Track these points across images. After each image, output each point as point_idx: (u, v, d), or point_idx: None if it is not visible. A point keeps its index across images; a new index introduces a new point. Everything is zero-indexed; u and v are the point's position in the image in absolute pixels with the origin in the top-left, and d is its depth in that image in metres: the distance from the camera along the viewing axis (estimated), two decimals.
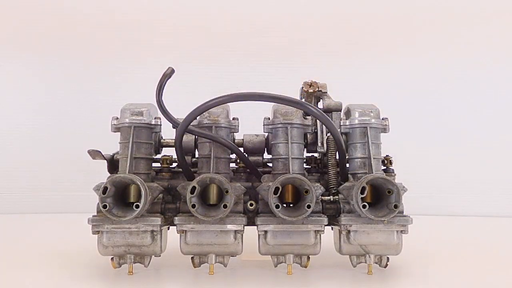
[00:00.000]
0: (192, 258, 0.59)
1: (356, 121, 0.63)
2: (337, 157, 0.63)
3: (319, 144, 0.65)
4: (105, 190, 0.54)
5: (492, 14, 1.33)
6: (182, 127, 0.58)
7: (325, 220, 0.58)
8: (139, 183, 0.54)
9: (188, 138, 0.65)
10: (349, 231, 0.58)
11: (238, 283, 0.59)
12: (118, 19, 1.32)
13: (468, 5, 1.33)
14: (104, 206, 0.53)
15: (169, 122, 0.61)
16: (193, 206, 0.54)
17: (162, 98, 0.59)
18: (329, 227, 0.62)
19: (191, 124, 0.58)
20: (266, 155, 0.66)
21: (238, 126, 0.64)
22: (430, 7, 1.33)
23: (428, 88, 1.33)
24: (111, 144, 0.65)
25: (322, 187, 0.60)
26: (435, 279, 0.61)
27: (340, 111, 0.66)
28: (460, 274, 0.63)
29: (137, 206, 0.54)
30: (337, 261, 0.64)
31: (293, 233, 0.58)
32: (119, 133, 0.62)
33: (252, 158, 0.65)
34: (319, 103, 0.69)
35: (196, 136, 0.64)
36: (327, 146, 0.64)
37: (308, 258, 0.60)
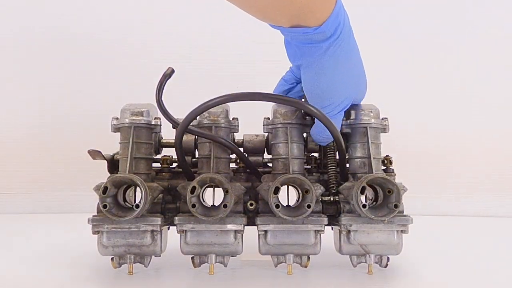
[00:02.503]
0: (192, 258, 0.59)
1: (356, 121, 0.63)
2: (337, 157, 0.63)
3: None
4: (105, 190, 0.54)
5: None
6: (182, 127, 0.58)
7: (325, 220, 0.58)
8: (139, 183, 0.54)
9: (188, 138, 0.65)
10: (349, 231, 0.58)
11: (238, 283, 0.59)
12: (118, 19, 1.32)
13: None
14: (104, 206, 0.53)
15: (169, 122, 0.61)
16: (193, 206, 0.54)
17: (162, 98, 0.59)
18: (329, 227, 0.62)
19: (191, 124, 0.58)
20: (266, 155, 0.66)
21: (238, 126, 0.64)
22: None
23: (428, 88, 1.33)
24: (111, 144, 0.65)
25: (322, 187, 0.60)
26: (435, 279, 0.61)
27: None
28: (460, 274, 0.63)
29: (137, 206, 0.54)
30: (337, 261, 0.64)
31: (293, 233, 0.58)
32: (119, 133, 0.62)
33: (252, 158, 0.65)
34: None
35: (196, 136, 0.64)
36: (327, 146, 0.64)
37: (308, 258, 0.60)
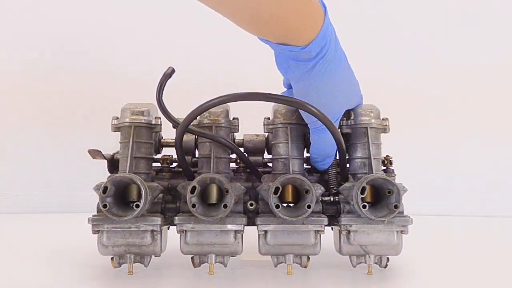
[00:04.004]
0: (192, 258, 0.59)
1: (357, 122, 0.63)
2: (337, 157, 0.63)
3: None
4: (105, 189, 0.54)
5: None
6: (182, 127, 0.58)
7: (325, 220, 0.58)
8: (139, 183, 0.54)
9: (188, 138, 0.65)
10: (349, 231, 0.58)
11: (238, 283, 0.59)
12: (119, 18, 1.32)
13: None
14: (104, 206, 0.53)
15: (169, 122, 0.61)
16: (193, 206, 0.54)
17: (163, 98, 0.59)
18: (329, 227, 0.62)
19: (191, 124, 0.58)
20: (266, 155, 0.66)
21: (238, 126, 0.64)
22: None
23: (428, 87, 1.33)
24: (111, 144, 0.65)
25: (322, 187, 0.60)
26: (435, 279, 0.61)
27: None
28: (460, 274, 0.63)
29: (137, 206, 0.54)
30: (337, 261, 0.64)
31: (293, 233, 0.58)
32: (119, 133, 0.62)
33: (252, 158, 0.65)
34: None
35: (196, 136, 0.64)
36: None
37: (308, 258, 0.60)
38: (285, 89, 0.67)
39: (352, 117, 0.63)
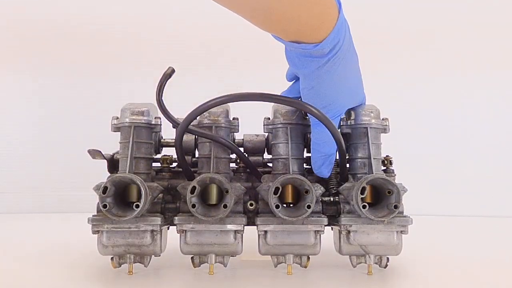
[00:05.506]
0: (192, 258, 0.59)
1: (357, 122, 0.63)
2: (337, 157, 0.63)
3: None
4: (105, 189, 0.54)
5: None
6: (182, 127, 0.58)
7: (325, 220, 0.58)
8: (139, 183, 0.54)
9: (188, 138, 0.65)
10: (349, 231, 0.58)
11: (238, 283, 0.59)
12: (118, 20, 1.32)
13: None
14: (104, 206, 0.53)
15: (169, 122, 0.61)
16: (193, 206, 0.54)
17: (162, 98, 0.59)
18: (329, 227, 0.62)
19: (191, 124, 0.58)
20: (266, 155, 0.66)
21: (238, 126, 0.64)
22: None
23: (429, 87, 1.33)
24: (111, 144, 0.65)
25: (322, 187, 0.60)
26: (435, 279, 0.61)
27: None
28: (460, 274, 0.63)
29: (137, 206, 0.54)
30: (337, 261, 0.64)
31: (293, 233, 0.58)
32: (119, 133, 0.62)
33: (252, 158, 0.65)
34: None
35: (196, 136, 0.64)
36: None
37: (308, 258, 0.60)
38: (289, 83, 0.66)
39: (352, 117, 0.63)
